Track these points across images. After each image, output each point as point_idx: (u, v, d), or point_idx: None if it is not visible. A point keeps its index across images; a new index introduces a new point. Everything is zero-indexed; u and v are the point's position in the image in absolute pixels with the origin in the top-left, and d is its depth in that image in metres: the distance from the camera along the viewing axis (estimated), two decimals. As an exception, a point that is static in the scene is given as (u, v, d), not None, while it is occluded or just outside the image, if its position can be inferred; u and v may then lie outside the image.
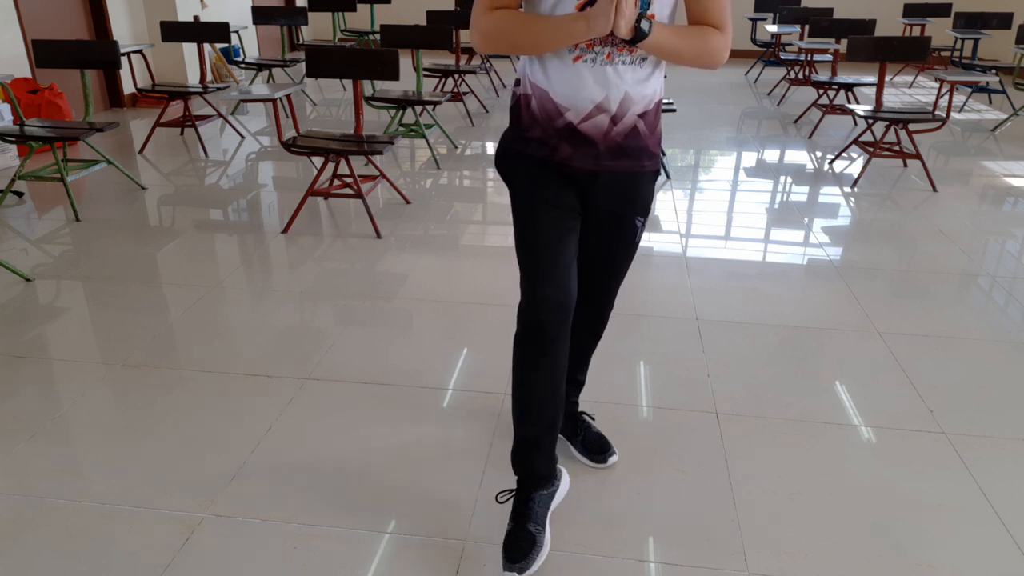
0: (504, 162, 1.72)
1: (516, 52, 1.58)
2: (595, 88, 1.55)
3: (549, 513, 1.79)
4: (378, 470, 2.05)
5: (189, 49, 7.14)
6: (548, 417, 1.72)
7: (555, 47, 1.52)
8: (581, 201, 1.69)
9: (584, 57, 1.53)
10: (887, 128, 4.97)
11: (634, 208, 1.72)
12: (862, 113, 4.81)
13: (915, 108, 5.52)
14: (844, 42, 5.77)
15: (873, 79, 5.43)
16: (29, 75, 5.47)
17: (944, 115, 4.57)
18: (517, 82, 1.68)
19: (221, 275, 3.28)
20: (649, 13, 1.51)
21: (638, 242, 1.79)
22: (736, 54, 9.76)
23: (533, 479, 1.77)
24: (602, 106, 1.56)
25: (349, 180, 3.94)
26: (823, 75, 7.05)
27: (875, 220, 4.09)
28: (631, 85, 1.56)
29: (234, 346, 2.69)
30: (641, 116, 1.60)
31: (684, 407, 2.35)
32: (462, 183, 4.70)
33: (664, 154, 4.11)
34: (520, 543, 1.69)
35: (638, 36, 1.45)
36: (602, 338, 2.00)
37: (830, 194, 4.56)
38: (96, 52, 4.40)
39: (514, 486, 1.80)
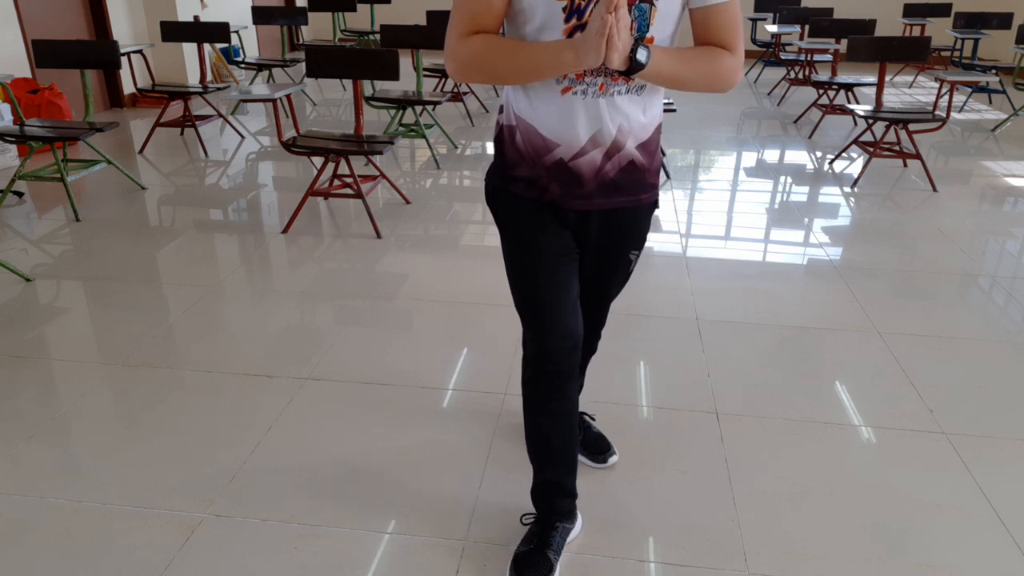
0: (493, 201, 1.59)
1: (497, 82, 1.42)
2: (587, 122, 1.40)
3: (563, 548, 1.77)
4: (378, 470, 2.05)
5: (189, 49, 7.14)
6: (568, 458, 1.71)
7: (540, 78, 1.36)
8: (577, 241, 1.57)
9: (574, 89, 1.37)
10: (887, 128, 4.97)
11: (630, 243, 1.62)
12: (862, 113, 4.81)
13: (915, 108, 5.52)
14: (844, 42, 5.77)
15: (873, 79, 5.43)
16: (29, 75, 5.47)
17: (944, 115, 4.57)
18: (501, 109, 1.53)
19: (221, 275, 3.28)
20: (648, 36, 1.35)
21: (631, 271, 1.71)
22: (736, 54, 9.74)
23: (556, 513, 1.76)
24: (596, 140, 1.42)
25: (349, 180, 3.94)
26: (823, 75, 7.05)
27: (875, 220, 4.09)
28: (628, 116, 1.41)
29: (234, 346, 2.69)
30: (640, 147, 1.47)
31: (684, 407, 2.35)
32: (462, 183, 4.70)
33: (664, 154, 4.08)
34: (538, 566, 1.67)
35: (634, 67, 1.28)
36: (602, 338, 1.99)
37: (830, 194, 4.56)
38: (96, 52, 4.40)
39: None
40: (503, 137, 1.52)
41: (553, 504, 1.74)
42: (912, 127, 4.97)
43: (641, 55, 1.28)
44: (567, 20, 1.33)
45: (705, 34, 1.41)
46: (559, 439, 1.67)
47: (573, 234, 1.56)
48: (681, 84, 1.38)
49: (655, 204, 1.60)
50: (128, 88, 6.70)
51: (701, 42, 1.42)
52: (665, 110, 4.56)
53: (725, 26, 1.39)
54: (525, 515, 1.83)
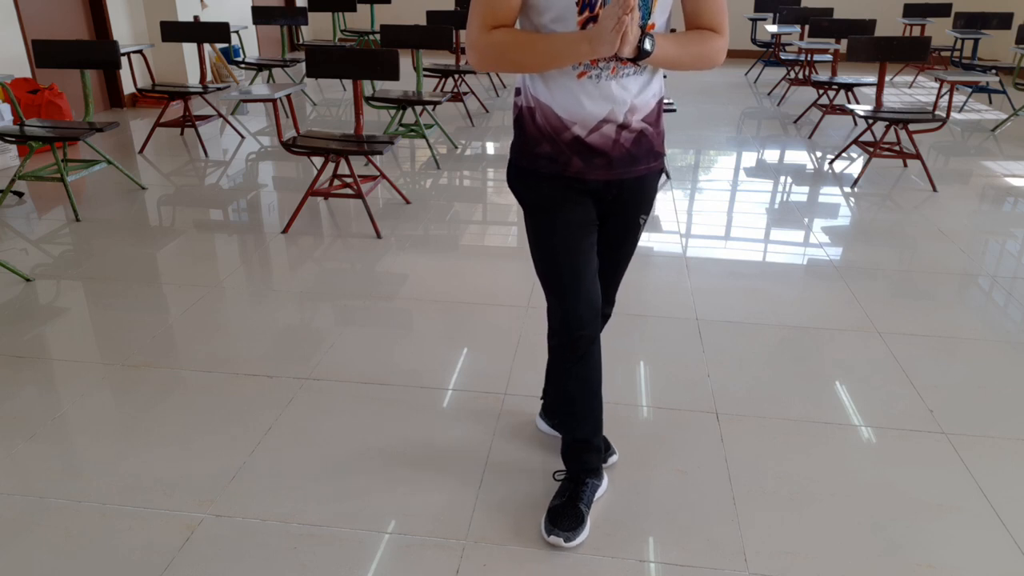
0: (517, 183, 1.70)
1: (516, 71, 1.55)
2: (600, 102, 1.54)
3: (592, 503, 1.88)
4: (378, 470, 2.05)
5: (189, 49, 7.14)
6: (594, 417, 1.83)
7: (557, 66, 1.50)
8: (597, 210, 1.70)
9: (589, 73, 1.52)
10: (887, 128, 4.97)
11: (642, 208, 1.75)
12: (862, 113, 4.81)
13: (915, 108, 5.52)
14: (844, 42, 5.77)
15: (873, 79, 5.43)
16: (29, 75, 5.47)
17: (944, 115, 4.57)
18: (517, 91, 1.66)
19: (221, 275, 3.28)
20: (650, 23, 1.49)
21: (640, 235, 1.83)
22: (736, 54, 9.76)
23: (586, 470, 1.87)
24: (608, 118, 1.56)
25: (349, 180, 3.94)
26: (823, 75, 7.05)
27: (875, 220, 4.09)
28: (635, 94, 1.56)
29: (234, 346, 2.69)
30: (646, 119, 1.60)
31: (684, 407, 2.35)
32: (462, 183, 4.70)
33: (664, 154, 4.10)
34: (571, 517, 1.78)
35: (642, 55, 1.45)
36: (602, 337, 1.99)
37: (830, 194, 4.56)
38: (96, 52, 4.40)
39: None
40: (523, 117, 1.64)
41: (583, 461, 1.86)
42: (912, 127, 4.97)
43: (647, 44, 1.44)
44: (580, 12, 1.47)
45: (696, 20, 1.58)
46: (586, 400, 1.79)
47: (595, 204, 1.68)
48: (678, 65, 1.55)
49: (662, 170, 1.74)
50: (128, 88, 6.70)
51: (692, 26, 1.59)
52: (665, 110, 4.55)
53: (713, 12, 1.57)
54: (557, 472, 1.95)
